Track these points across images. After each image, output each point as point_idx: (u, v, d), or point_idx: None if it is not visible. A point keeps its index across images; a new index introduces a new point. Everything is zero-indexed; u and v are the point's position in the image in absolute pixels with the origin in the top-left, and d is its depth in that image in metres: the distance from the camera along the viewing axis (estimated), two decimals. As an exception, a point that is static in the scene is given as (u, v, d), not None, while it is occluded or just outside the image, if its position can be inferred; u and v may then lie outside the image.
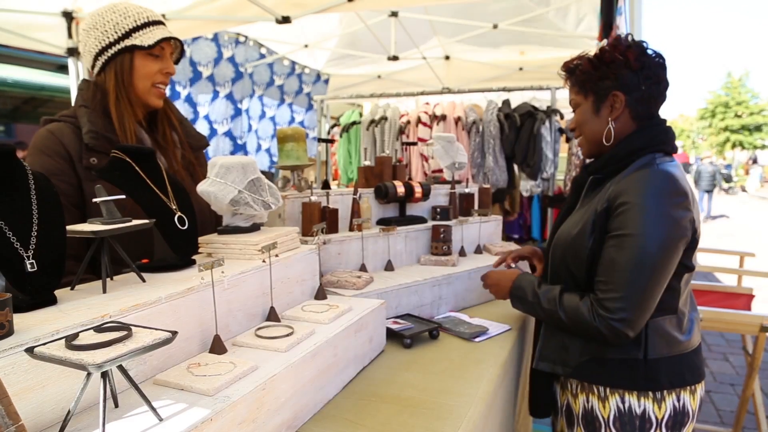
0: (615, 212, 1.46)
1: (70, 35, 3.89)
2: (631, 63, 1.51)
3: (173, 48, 1.77)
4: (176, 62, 1.79)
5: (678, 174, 1.47)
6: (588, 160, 1.71)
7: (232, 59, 5.33)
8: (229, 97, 5.40)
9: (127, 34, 1.63)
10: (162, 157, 1.73)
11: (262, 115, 5.99)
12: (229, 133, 5.46)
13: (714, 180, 17.51)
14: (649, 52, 1.54)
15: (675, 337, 1.51)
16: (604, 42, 1.58)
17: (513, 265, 2.10)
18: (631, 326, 1.42)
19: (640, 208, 1.41)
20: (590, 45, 5.15)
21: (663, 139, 1.55)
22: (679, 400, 1.53)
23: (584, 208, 1.59)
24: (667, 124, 1.60)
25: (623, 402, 1.53)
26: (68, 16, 3.83)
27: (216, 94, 5.23)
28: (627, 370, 1.51)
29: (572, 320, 1.52)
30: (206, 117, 5.17)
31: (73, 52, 3.96)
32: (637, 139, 1.54)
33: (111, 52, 1.64)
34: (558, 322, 1.58)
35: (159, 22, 1.70)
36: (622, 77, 1.52)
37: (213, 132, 5.28)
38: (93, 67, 1.69)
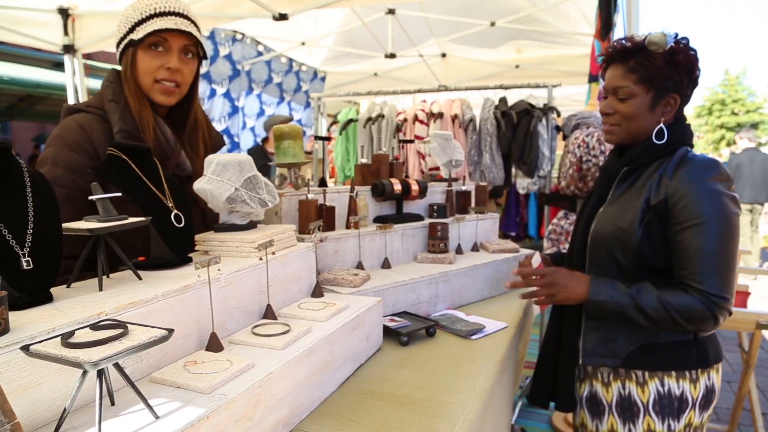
0: (677, 205, 1.51)
1: (66, 32, 3.88)
2: (694, 71, 1.57)
3: (188, 42, 1.64)
4: (189, 53, 1.67)
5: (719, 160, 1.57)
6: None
7: (229, 57, 5.31)
8: (227, 95, 5.38)
9: (132, 28, 1.58)
10: (186, 159, 1.72)
11: (261, 113, 5.97)
12: (227, 131, 5.45)
13: None
14: (698, 58, 1.60)
15: None
16: (660, 35, 1.54)
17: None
18: (731, 305, 1.49)
19: (702, 196, 1.48)
20: (586, 43, 5.16)
21: (689, 135, 1.64)
22: (709, 379, 1.59)
23: (624, 199, 1.63)
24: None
25: (663, 385, 1.58)
26: (64, 12, 3.82)
27: (213, 92, 5.22)
28: (682, 351, 1.57)
29: (685, 315, 1.49)
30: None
31: (69, 49, 3.94)
32: (671, 135, 1.59)
33: (121, 47, 1.63)
34: (663, 322, 1.52)
35: (169, 13, 1.59)
36: (682, 81, 1.57)
37: None
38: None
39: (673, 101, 1.59)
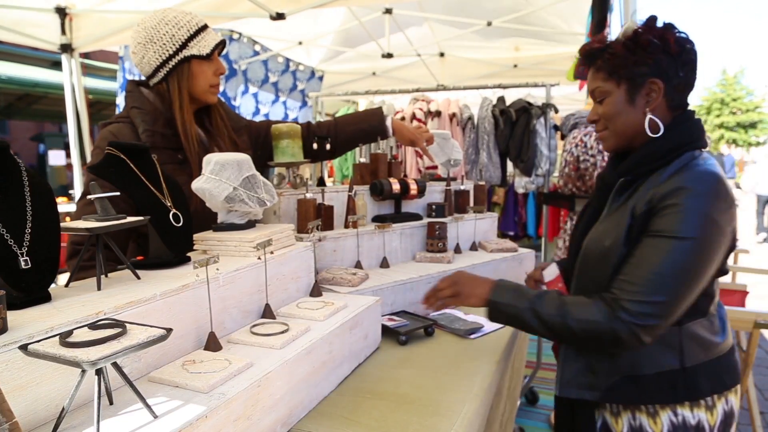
0: (659, 213, 1.32)
1: (63, 31, 3.87)
2: (670, 47, 1.36)
3: (220, 46, 1.85)
4: (219, 55, 1.88)
5: (725, 177, 1.33)
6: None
7: (225, 56, 5.30)
8: (223, 94, 5.37)
9: (184, 45, 1.73)
10: (215, 146, 1.87)
11: (256, 112, 5.95)
12: None
13: None
14: (683, 35, 1.40)
15: (711, 340, 1.40)
16: (632, 23, 1.41)
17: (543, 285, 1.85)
18: (652, 333, 1.29)
19: (686, 210, 1.27)
20: (584, 41, 5.15)
21: (698, 135, 1.41)
22: (727, 403, 1.43)
23: (617, 214, 1.43)
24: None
25: (676, 415, 1.40)
26: (62, 12, 3.81)
27: None
28: (666, 383, 1.38)
29: (582, 325, 1.33)
30: None
31: (66, 48, 3.94)
32: (675, 136, 1.40)
33: (172, 63, 1.74)
34: (560, 330, 1.38)
35: (205, 26, 1.80)
36: (659, 62, 1.37)
37: None
38: (152, 77, 1.78)
39: (655, 87, 1.39)
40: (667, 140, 1.40)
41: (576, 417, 1.53)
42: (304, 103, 6.57)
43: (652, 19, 1.42)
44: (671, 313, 1.29)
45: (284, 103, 6.38)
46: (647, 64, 1.38)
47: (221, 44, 1.83)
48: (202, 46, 1.75)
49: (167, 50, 1.72)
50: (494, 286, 1.50)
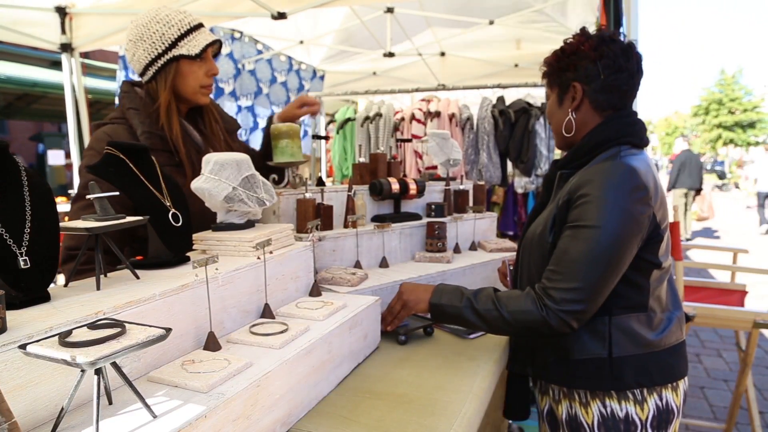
0: (574, 204, 1.42)
1: (63, 31, 3.86)
2: (588, 53, 1.49)
3: (213, 47, 1.82)
4: (215, 56, 1.86)
5: (641, 167, 1.41)
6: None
7: (231, 55, 5.29)
8: (233, 94, 5.36)
9: (174, 44, 1.72)
10: (210, 148, 1.86)
11: (271, 113, 5.93)
12: None
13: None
14: (617, 41, 1.50)
15: (642, 335, 1.46)
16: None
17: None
18: (578, 318, 1.37)
19: (598, 201, 1.37)
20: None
21: (629, 132, 1.50)
22: (661, 399, 1.48)
23: (551, 206, 1.55)
24: (638, 116, 1.56)
25: (605, 406, 1.48)
26: (62, 11, 3.80)
27: (221, 91, 5.18)
28: (593, 369, 1.47)
29: (515, 316, 1.43)
30: None
31: (66, 47, 3.93)
32: (602, 132, 1.51)
33: (160, 62, 1.73)
34: (496, 323, 1.47)
35: (199, 25, 1.78)
36: (581, 68, 1.51)
37: None
38: (143, 75, 1.78)
39: (574, 90, 1.53)
40: (593, 136, 1.51)
41: (519, 393, 1.70)
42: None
43: (583, 30, 1.56)
44: (591, 299, 1.37)
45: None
46: (571, 70, 1.53)
47: (214, 45, 1.81)
48: (192, 45, 1.73)
49: (156, 48, 1.72)
50: (435, 290, 1.61)
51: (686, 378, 1.57)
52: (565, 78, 1.55)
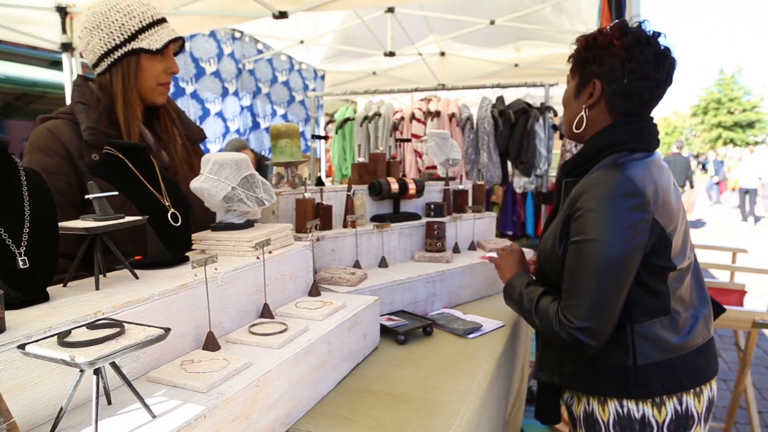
0: (573, 217, 1.41)
1: (64, 30, 3.86)
2: (618, 51, 1.41)
3: (175, 44, 1.73)
4: (175, 55, 1.77)
5: (638, 173, 1.37)
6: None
7: (232, 55, 5.28)
8: (236, 93, 5.36)
9: (133, 36, 1.61)
10: (163, 151, 1.74)
11: (273, 113, 5.93)
12: (237, 132, 5.41)
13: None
14: (653, 45, 1.42)
15: (667, 340, 1.43)
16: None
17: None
18: (593, 336, 1.35)
19: (593, 213, 1.35)
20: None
21: (635, 137, 1.44)
22: (681, 403, 1.45)
23: (559, 216, 1.51)
24: (651, 120, 1.50)
25: (622, 407, 1.47)
26: (62, 11, 3.80)
27: (226, 91, 5.18)
28: (618, 378, 1.45)
29: (544, 325, 1.47)
30: (219, 114, 5.10)
31: (67, 47, 3.93)
32: (605, 138, 1.46)
33: (117, 54, 1.62)
34: (534, 325, 1.54)
35: (162, 20, 1.68)
36: (607, 65, 1.43)
37: (227, 130, 5.22)
38: (96, 66, 1.66)
39: (593, 88, 1.46)
40: (596, 141, 1.47)
41: (549, 398, 1.69)
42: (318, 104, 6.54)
43: (623, 22, 1.46)
44: (599, 315, 1.35)
45: (302, 102, 6.37)
46: (596, 63, 1.45)
47: (177, 41, 1.71)
48: (153, 40, 1.62)
49: (114, 39, 1.60)
50: (515, 274, 1.69)
51: (713, 384, 1.53)
52: (589, 70, 1.47)
